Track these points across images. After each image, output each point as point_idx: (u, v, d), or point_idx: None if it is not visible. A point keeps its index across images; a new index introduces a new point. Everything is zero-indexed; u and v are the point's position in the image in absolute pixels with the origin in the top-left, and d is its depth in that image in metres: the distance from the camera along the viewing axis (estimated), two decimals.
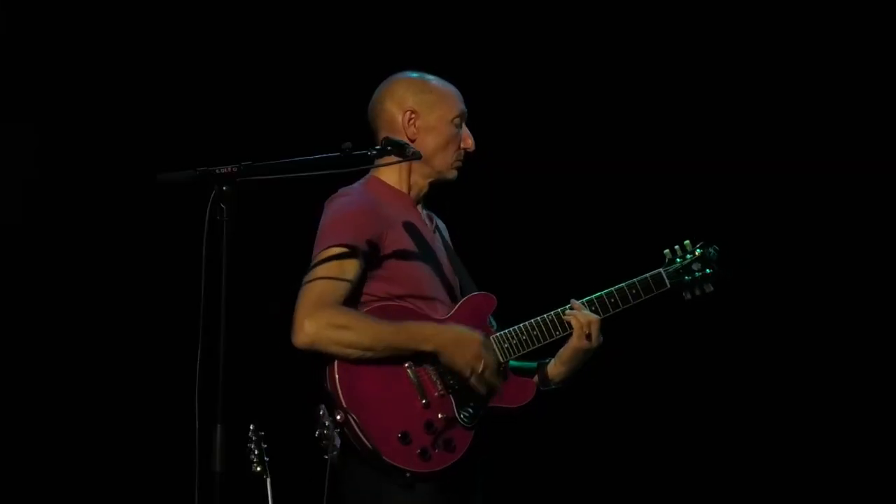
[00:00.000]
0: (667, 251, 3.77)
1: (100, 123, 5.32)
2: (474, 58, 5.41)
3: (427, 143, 3.60)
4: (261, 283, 4.84)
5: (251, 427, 4.28)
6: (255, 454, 4.24)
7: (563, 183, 5.57)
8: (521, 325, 3.60)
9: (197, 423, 3.01)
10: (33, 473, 5.24)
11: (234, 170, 3.09)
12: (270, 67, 5.41)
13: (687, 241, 3.78)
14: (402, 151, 3.34)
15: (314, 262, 3.41)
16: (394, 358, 3.41)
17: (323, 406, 4.06)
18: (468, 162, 3.70)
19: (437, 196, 3.74)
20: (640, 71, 5.55)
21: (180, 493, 3.22)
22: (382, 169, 3.59)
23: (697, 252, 3.77)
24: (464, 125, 3.68)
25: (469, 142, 3.67)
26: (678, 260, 3.75)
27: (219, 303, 3.00)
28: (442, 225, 3.82)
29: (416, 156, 3.36)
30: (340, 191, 3.56)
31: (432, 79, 3.70)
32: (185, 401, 3.00)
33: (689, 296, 3.76)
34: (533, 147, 5.56)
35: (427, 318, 3.48)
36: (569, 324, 3.61)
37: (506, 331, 3.59)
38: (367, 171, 3.62)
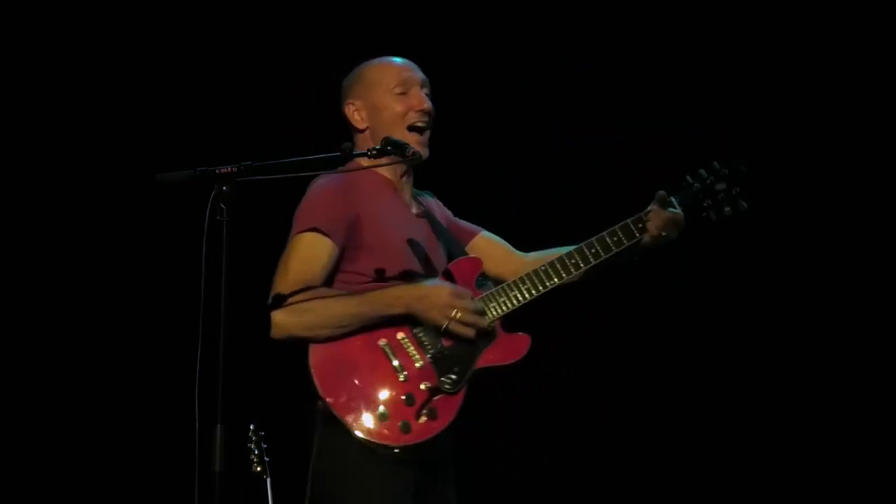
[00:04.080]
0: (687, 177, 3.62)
1: (100, 123, 5.32)
2: (468, 54, 5.44)
3: (378, 122, 3.59)
4: (261, 282, 4.83)
5: (251, 427, 4.30)
6: (255, 454, 4.26)
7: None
8: (507, 282, 3.53)
9: (197, 423, 3.00)
10: (34, 473, 5.24)
11: (234, 170, 3.09)
12: (270, 68, 5.41)
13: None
14: (403, 151, 3.33)
15: (286, 249, 3.41)
16: (366, 335, 3.38)
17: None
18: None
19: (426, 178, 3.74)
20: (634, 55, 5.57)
21: (180, 493, 3.22)
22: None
23: (724, 172, 3.59)
24: (414, 89, 3.62)
25: (415, 101, 3.59)
26: (696, 185, 3.60)
27: (219, 303, 3.01)
28: (436, 204, 3.79)
29: (417, 155, 3.35)
30: (322, 174, 3.53)
31: (371, 62, 3.67)
32: (185, 401, 3.00)
33: (714, 216, 3.59)
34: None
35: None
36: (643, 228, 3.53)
37: (495, 289, 3.52)
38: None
